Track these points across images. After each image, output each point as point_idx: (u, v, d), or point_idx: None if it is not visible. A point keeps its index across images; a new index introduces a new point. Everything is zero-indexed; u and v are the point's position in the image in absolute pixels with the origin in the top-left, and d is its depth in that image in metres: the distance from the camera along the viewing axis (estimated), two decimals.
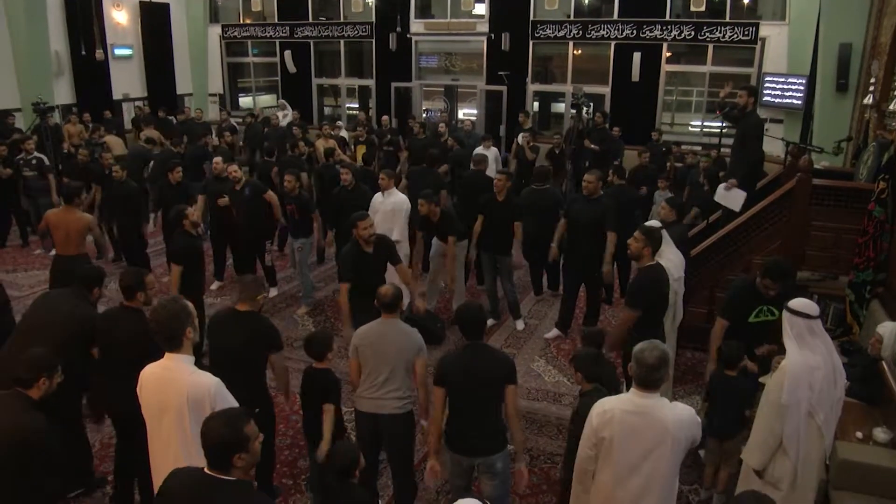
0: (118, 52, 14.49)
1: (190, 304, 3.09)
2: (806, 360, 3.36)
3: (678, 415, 2.91)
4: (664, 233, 4.88)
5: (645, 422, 2.91)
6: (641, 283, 4.58)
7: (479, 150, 10.32)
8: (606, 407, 3.01)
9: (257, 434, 2.42)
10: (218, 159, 7.76)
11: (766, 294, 4.40)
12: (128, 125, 13.80)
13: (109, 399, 4.06)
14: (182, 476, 2.45)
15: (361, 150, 11.00)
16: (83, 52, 13.34)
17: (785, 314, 3.47)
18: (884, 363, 4.58)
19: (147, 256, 8.57)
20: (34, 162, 9.09)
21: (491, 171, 9.93)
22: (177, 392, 2.91)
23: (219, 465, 2.34)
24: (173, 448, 2.97)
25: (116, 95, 14.40)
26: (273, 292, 7.86)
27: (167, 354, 3.01)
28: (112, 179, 8.13)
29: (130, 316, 3.97)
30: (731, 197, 6.67)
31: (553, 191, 7.58)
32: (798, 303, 3.47)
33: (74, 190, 6.43)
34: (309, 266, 7.69)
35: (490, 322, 6.88)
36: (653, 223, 5.31)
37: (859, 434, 4.26)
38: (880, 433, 4.20)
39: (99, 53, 13.17)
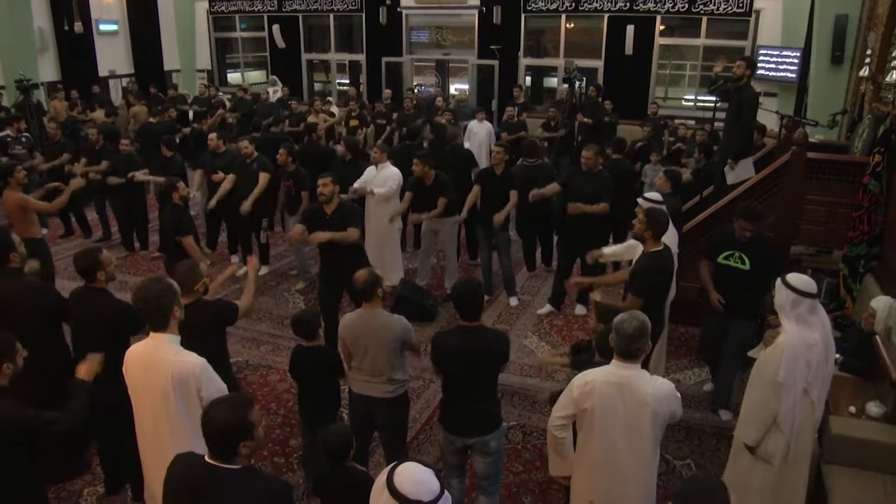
0: (103, 27, 14.23)
1: (175, 283, 3.03)
2: (804, 337, 3.32)
3: (657, 389, 2.92)
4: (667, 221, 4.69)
5: (625, 394, 2.92)
6: (647, 269, 4.37)
7: (472, 123, 10.22)
8: (588, 378, 3.00)
9: (260, 419, 2.37)
10: (213, 135, 7.65)
11: (743, 237, 4.72)
12: (114, 102, 13.59)
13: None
14: (184, 468, 2.38)
15: (355, 124, 10.88)
16: (67, 28, 13.10)
17: (785, 292, 3.37)
18: (877, 337, 4.56)
19: (147, 229, 8.51)
20: (24, 140, 8.96)
21: (484, 146, 9.88)
22: (161, 372, 2.87)
23: (223, 455, 2.29)
24: (160, 428, 2.94)
25: (102, 72, 14.17)
26: (264, 270, 7.80)
27: (152, 334, 2.96)
28: (112, 153, 8.13)
29: (96, 296, 3.82)
30: (740, 171, 6.54)
31: (545, 165, 7.52)
32: (799, 281, 3.39)
33: (2, 170, 6.18)
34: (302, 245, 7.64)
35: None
36: (652, 195, 5.23)
37: (852, 408, 4.25)
38: (873, 407, 4.19)
39: (78, 26, 12.92)
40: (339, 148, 7.23)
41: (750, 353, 3.81)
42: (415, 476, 1.96)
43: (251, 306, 4.21)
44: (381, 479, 1.99)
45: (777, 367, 3.32)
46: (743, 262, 4.77)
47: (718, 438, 4.82)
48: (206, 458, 2.32)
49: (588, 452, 3.07)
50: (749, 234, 4.70)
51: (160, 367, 2.88)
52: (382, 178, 6.74)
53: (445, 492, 1.97)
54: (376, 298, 3.75)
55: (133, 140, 8.59)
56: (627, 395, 2.91)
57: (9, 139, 8.93)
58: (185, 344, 3.06)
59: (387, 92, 12.14)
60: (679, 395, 3.01)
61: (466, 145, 9.08)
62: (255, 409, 2.35)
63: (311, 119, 10.12)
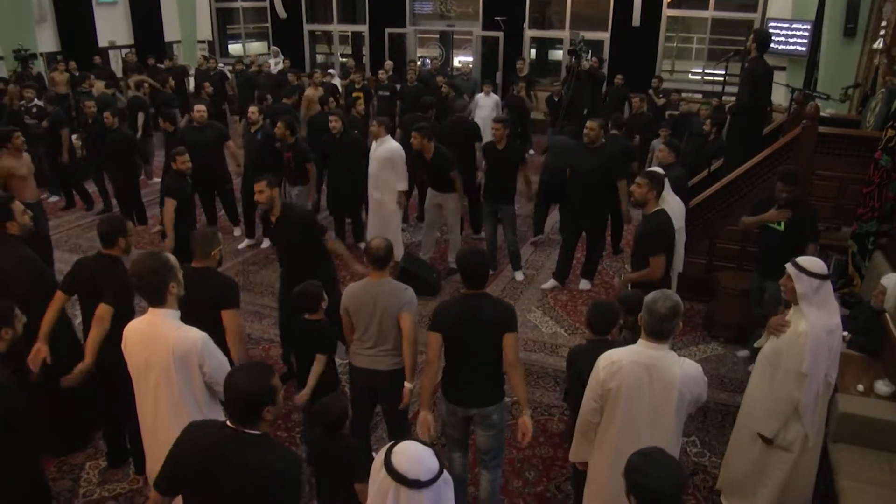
0: None
1: (172, 258, 2.96)
2: (825, 323, 3.27)
3: (686, 370, 2.83)
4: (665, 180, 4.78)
5: (652, 374, 2.83)
6: (656, 228, 4.51)
7: (479, 96, 10.10)
8: (614, 358, 2.92)
9: (281, 386, 2.37)
10: (201, 107, 7.52)
11: (780, 198, 4.82)
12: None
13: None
14: (201, 434, 2.35)
15: (358, 96, 10.74)
16: None
17: (808, 279, 3.29)
18: (887, 315, 4.50)
19: (143, 205, 8.44)
20: (35, 110, 8.88)
21: (488, 119, 9.74)
22: (162, 348, 2.82)
23: (247, 420, 2.27)
24: (161, 405, 2.90)
25: (102, 43, 13.97)
26: (266, 243, 7.75)
27: (151, 310, 2.91)
28: (103, 127, 8.00)
29: (110, 264, 3.76)
30: None
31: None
32: (815, 265, 3.32)
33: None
34: None
35: None
36: (655, 170, 5.17)
37: (860, 387, 4.21)
38: (882, 386, 4.15)
39: None
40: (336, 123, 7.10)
41: (756, 344, 3.78)
42: (413, 455, 1.92)
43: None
44: (379, 458, 1.95)
45: (799, 357, 3.27)
46: (778, 224, 4.87)
47: (724, 415, 4.79)
48: (228, 423, 2.30)
49: (611, 433, 2.99)
50: (786, 195, 4.79)
51: (161, 342, 2.83)
52: (384, 151, 6.65)
53: (444, 471, 1.92)
54: (388, 268, 3.74)
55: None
56: (655, 376, 2.82)
57: (23, 108, 8.87)
58: (189, 311, 3.05)
59: (388, 63, 11.97)
60: (706, 378, 2.92)
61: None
62: (275, 374, 2.36)
63: (309, 91, 9.96)
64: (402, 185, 6.66)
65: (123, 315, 3.52)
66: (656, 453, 2.21)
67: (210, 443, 2.30)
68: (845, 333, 4.26)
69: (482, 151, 6.87)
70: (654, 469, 2.12)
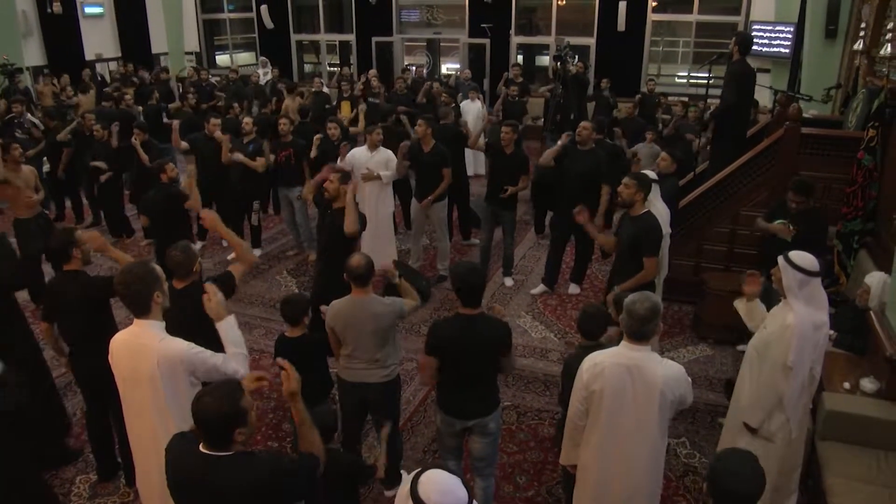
0: (88, 10, 13.99)
1: (158, 268, 2.96)
2: (813, 318, 3.28)
3: (667, 371, 2.86)
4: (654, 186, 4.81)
5: (635, 375, 2.86)
6: (649, 228, 4.54)
7: (464, 103, 10.14)
8: (597, 360, 2.95)
9: (252, 404, 2.33)
10: (216, 121, 7.57)
11: (790, 207, 4.86)
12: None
13: (74, 366, 3.97)
14: (180, 454, 2.34)
15: (347, 105, 10.77)
16: (51, 11, 12.89)
17: (792, 272, 3.30)
18: (872, 313, 4.54)
19: (127, 218, 8.43)
20: (26, 125, 8.86)
21: (476, 126, 9.76)
22: (147, 359, 2.82)
23: (219, 443, 2.24)
24: (147, 416, 2.90)
25: (89, 56, 13.95)
26: (256, 253, 7.74)
27: (136, 321, 2.91)
28: (92, 140, 8.03)
29: (73, 279, 3.76)
30: None
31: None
32: (805, 260, 3.32)
33: None
34: (307, 216, 7.59)
35: None
36: (648, 173, 5.21)
37: (846, 384, 4.26)
38: (867, 383, 4.20)
39: (56, 6, 12.71)
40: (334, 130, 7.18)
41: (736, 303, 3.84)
42: (441, 485, 1.87)
43: (249, 266, 4.14)
44: (404, 489, 1.90)
45: (785, 350, 3.28)
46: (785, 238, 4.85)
47: (713, 416, 4.82)
48: (201, 448, 2.27)
49: (596, 435, 3.02)
50: (795, 205, 4.83)
51: (146, 353, 2.83)
52: (381, 158, 6.62)
53: (473, 500, 1.88)
54: (369, 285, 3.69)
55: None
56: (637, 377, 2.85)
57: (15, 121, 8.84)
58: (195, 328, 3.06)
59: (371, 72, 11.99)
60: (689, 379, 2.94)
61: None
62: (245, 394, 2.32)
63: (286, 103, 9.97)
64: (385, 179, 6.59)
65: (96, 327, 3.57)
66: (737, 454, 2.30)
67: (186, 465, 2.29)
68: (831, 332, 4.31)
69: (486, 153, 6.82)
70: (739, 469, 2.21)
